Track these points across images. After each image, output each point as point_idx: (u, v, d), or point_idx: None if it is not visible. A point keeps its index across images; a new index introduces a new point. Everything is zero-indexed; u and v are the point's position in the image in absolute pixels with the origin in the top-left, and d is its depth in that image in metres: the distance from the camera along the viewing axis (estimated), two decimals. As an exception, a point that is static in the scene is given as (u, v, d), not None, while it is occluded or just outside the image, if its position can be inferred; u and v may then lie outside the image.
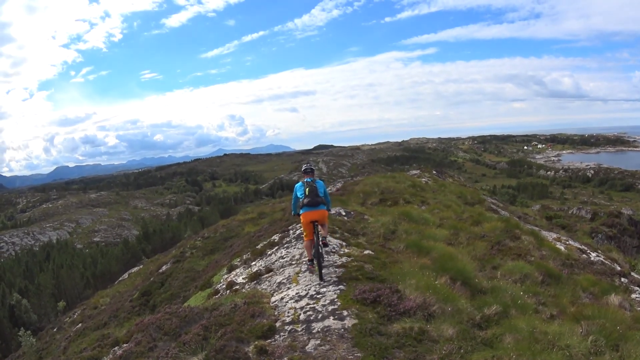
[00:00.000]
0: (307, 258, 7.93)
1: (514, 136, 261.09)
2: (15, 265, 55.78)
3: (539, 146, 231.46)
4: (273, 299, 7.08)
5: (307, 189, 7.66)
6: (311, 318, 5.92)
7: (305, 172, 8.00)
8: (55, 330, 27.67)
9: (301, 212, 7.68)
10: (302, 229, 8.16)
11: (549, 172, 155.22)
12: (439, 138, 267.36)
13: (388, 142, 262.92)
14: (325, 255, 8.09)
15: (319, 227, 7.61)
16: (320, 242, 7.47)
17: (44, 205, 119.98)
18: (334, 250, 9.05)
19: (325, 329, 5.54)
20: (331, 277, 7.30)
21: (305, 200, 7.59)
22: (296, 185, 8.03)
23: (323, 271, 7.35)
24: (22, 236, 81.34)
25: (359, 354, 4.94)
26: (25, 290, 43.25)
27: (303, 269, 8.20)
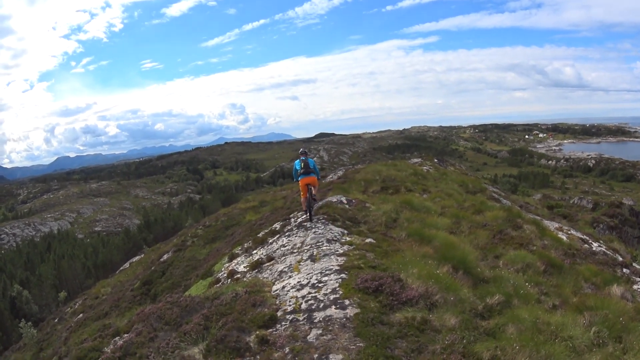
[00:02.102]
0: (303, 209, 11.56)
1: (515, 125, 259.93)
2: (16, 257, 55.74)
3: (541, 135, 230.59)
4: (274, 287, 7.04)
5: (302, 164, 11.26)
6: (313, 307, 5.86)
7: (301, 154, 11.60)
8: (56, 321, 27.66)
9: (299, 178, 11.21)
10: (301, 203, 11.74)
11: (550, 162, 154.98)
12: (441, 126, 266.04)
13: (389, 130, 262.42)
14: (313, 205, 11.24)
15: (312, 188, 11.08)
16: (312, 198, 10.99)
17: (45, 196, 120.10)
18: (336, 239, 9.00)
19: (327, 319, 5.47)
20: (332, 265, 7.25)
21: (302, 171, 11.21)
22: (295, 162, 11.56)
23: (312, 214, 10.97)
24: (23, 227, 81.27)
25: (361, 344, 4.87)
26: (27, 281, 43.29)
27: (305, 257, 8.18)
